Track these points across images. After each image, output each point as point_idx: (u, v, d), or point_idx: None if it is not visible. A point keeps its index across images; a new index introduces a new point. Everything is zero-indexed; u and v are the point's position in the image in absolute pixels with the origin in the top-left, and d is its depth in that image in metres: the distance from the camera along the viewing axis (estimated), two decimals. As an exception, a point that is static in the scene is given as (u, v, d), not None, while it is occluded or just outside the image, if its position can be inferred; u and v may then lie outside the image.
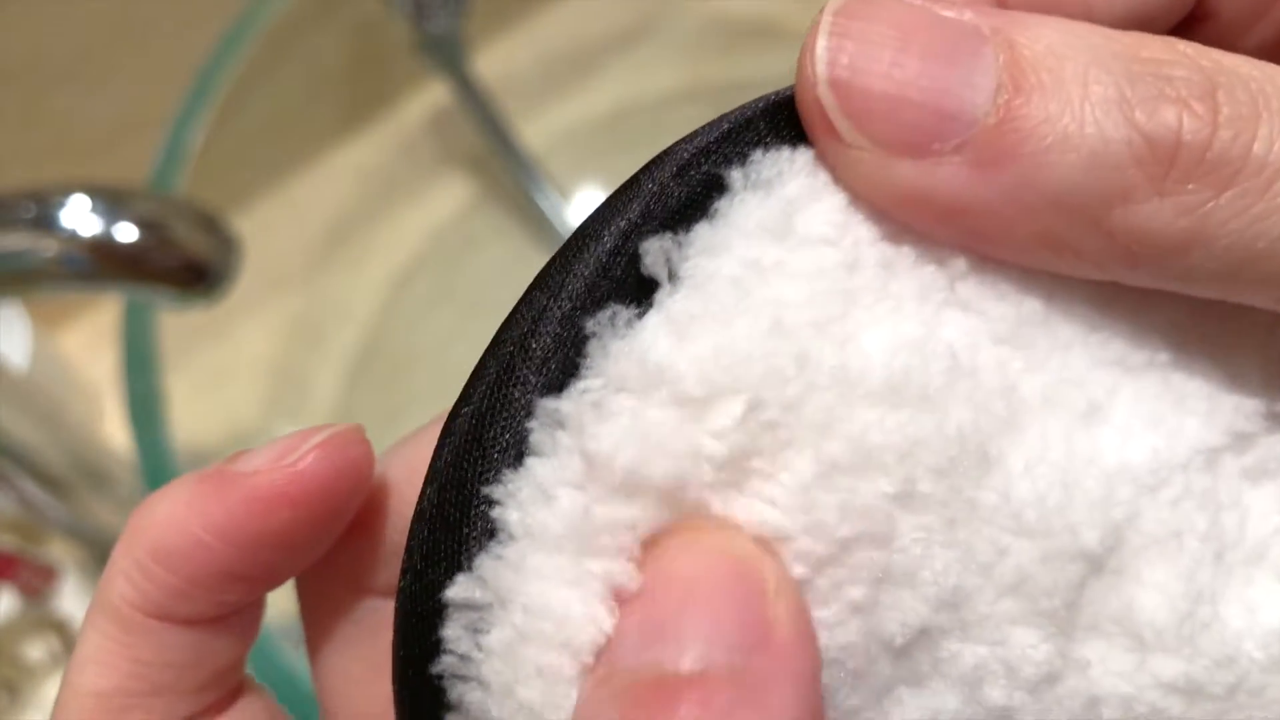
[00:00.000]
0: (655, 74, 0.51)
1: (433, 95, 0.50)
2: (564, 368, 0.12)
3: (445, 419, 0.13)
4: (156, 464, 0.31)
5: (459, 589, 0.12)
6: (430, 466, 0.12)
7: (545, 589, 0.11)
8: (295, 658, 0.28)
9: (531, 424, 0.12)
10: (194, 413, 0.33)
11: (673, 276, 0.12)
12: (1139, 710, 0.12)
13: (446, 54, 0.46)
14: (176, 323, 0.33)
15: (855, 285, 0.12)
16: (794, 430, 0.11)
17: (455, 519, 0.12)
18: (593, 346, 0.12)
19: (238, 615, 0.15)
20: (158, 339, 0.33)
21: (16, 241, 0.25)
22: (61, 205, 0.25)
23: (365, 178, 0.49)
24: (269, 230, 0.46)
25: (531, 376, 0.12)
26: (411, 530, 0.12)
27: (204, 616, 0.15)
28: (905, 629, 0.12)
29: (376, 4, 0.44)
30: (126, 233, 0.25)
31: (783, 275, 0.12)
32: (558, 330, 0.12)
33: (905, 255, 0.12)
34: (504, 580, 0.12)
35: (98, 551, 0.42)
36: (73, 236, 0.25)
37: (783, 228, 0.12)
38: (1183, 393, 0.13)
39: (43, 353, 0.44)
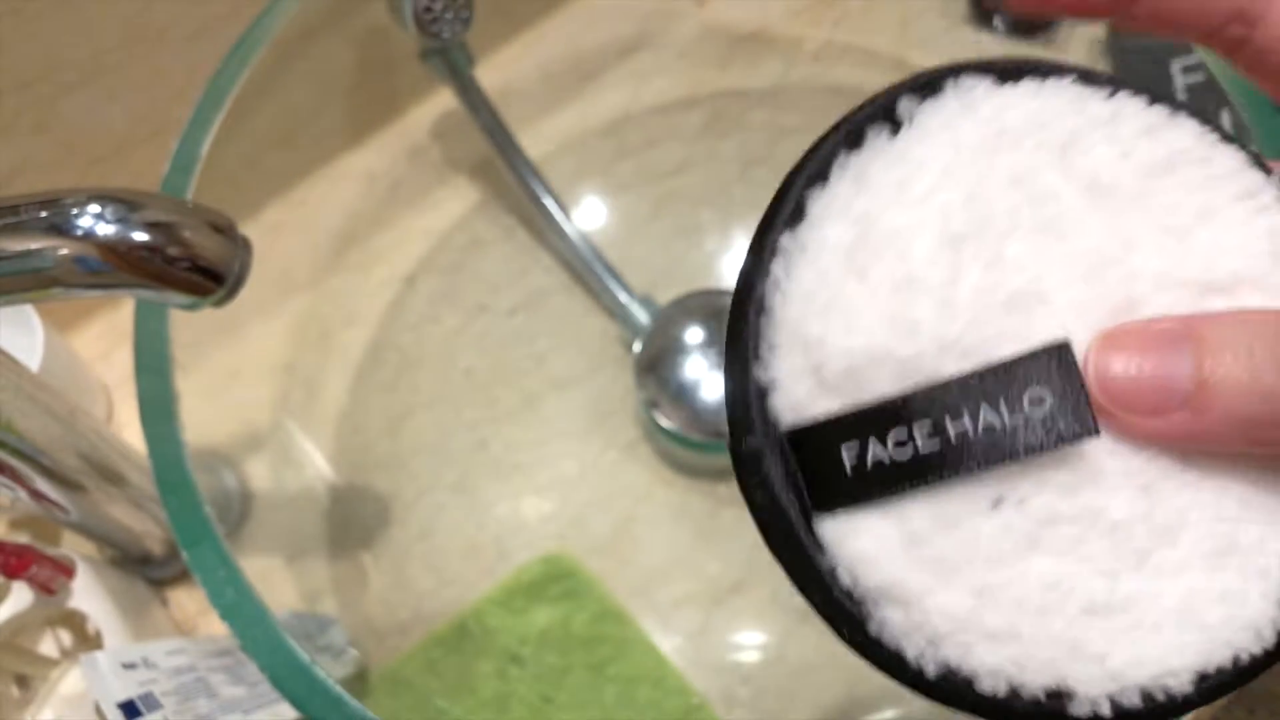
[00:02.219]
0: (654, 83, 0.52)
1: (438, 103, 0.51)
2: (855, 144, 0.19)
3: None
4: (168, 463, 0.31)
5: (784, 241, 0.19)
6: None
7: (827, 250, 0.18)
8: (302, 651, 0.29)
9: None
10: (205, 412, 0.34)
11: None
12: None
13: (452, 62, 0.47)
14: (187, 324, 0.34)
15: None
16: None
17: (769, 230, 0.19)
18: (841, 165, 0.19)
19: None
20: (169, 340, 0.33)
21: (31, 246, 0.26)
22: (75, 210, 0.26)
23: (372, 182, 0.50)
24: (279, 234, 0.47)
25: (835, 146, 0.19)
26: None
27: None
28: None
29: (384, 14, 0.45)
30: (140, 237, 0.25)
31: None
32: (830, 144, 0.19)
33: None
34: (803, 239, 0.19)
35: (110, 549, 0.43)
36: (86, 241, 0.25)
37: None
38: None
39: (55, 353, 0.45)
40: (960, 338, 0.18)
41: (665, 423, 0.43)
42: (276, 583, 0.39)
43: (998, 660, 0.17)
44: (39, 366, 0.43)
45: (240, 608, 0.29)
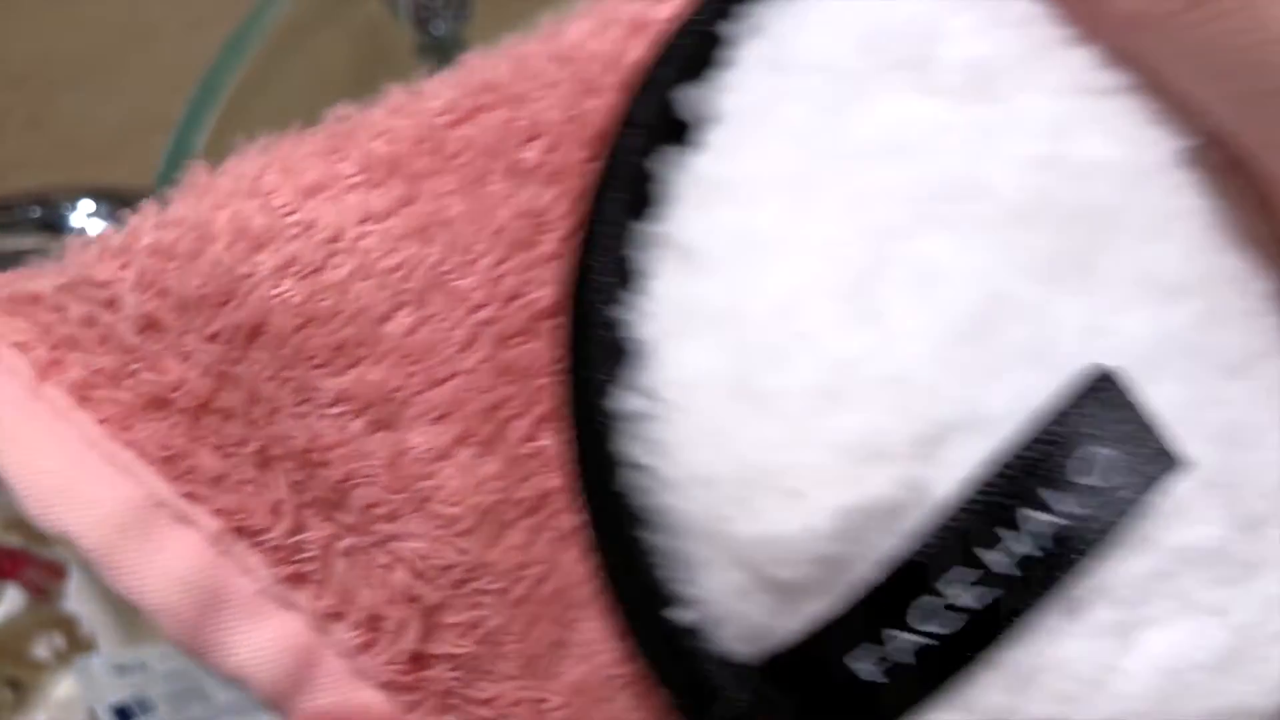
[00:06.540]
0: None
1: (435, 99, 0.51)
2: (641, 201, 0.14)
3: None
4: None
5: (618, 400, 0.13)
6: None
7: (693, 373, 0.13)
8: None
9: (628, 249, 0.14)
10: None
11: (705, 118, 0.14)
12: None
13: (449, 58, 0.46)
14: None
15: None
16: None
17: (584, 339, 0.14)
18: (658, 182, 0.14)
19: None
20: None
21: (24, 243, 0.26)
22: (68, 207, 0.26)
23: (368, 180, 0.50)
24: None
25: (620, 213, 0.14)
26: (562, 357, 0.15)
27: None
28: None
29: (380, 8, 0.45)
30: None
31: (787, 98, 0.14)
32: (634, 170, 0.15)
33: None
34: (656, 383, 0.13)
35: (103, 550, 0.42)
36: (80, 238, 0.25)
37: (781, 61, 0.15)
38: None
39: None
40: (944, 420, 0.12)
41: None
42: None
43: None
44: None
45: (236, 611, 0.29)
